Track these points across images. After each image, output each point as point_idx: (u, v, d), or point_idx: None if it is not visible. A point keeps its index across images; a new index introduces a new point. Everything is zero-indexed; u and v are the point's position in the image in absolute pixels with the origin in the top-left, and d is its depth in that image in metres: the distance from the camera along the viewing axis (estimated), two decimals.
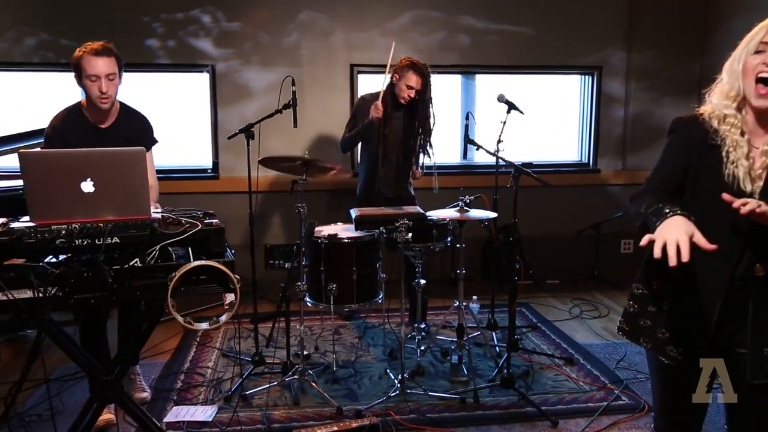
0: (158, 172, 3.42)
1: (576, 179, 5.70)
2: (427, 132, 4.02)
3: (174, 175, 5.15)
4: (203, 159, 5.31)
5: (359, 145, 4.22)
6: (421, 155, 4.07)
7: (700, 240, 1.47)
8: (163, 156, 5.26)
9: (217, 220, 2.34)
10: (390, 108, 4.01)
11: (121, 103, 3.05)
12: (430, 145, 4.02)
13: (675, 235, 1.47)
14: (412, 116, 4.05)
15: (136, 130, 3.04)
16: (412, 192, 4.27)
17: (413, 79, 3.90)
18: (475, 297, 4.67)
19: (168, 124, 5.23)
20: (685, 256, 1.43)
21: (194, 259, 2.18)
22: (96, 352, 2.89)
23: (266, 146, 5.08)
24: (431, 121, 4.02)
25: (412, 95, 3.94)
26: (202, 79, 5.18)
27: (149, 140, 3.11)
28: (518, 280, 3.70)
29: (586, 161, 5.78)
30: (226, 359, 3.88)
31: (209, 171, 5.26)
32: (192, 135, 5.31)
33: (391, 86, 4.03)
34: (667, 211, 1.59)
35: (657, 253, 1.46)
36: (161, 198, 3.26)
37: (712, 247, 1.47)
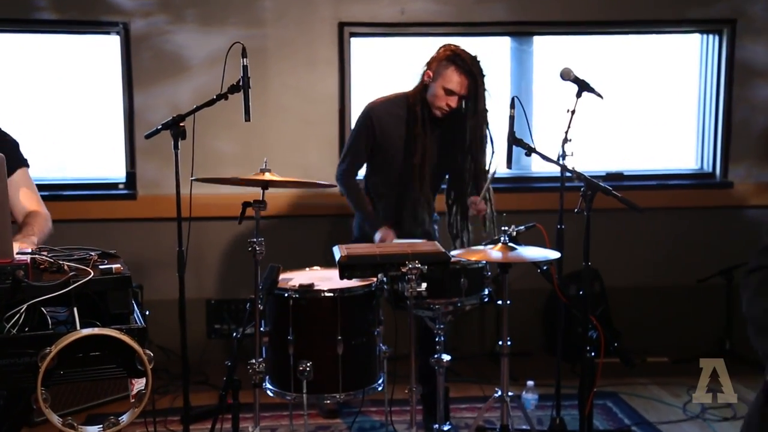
0: (41, 188, 3.50)
1: (694, 198, 5.71)
2: (480, 170, 4.07)
3: (65, 194, 5.24)
4: (112, 169, 5.39)
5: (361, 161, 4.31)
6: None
7: None
8: (49, 165, 5.36)
9: (118, 265, 2.36)
10: (422, 124, 4.05)
11: None
12: (487, 187, 4.04)
13: None
14: (455, 138, 4.09)
15: None
16: (435, 227, 4.36)
17: (455, 81, 3.95)
18: (531, 383, 4.66)
19: (56, 115, 5.33)
20: None
21: (82, 326, 2.18)
22: None
23: (210, 148, 5.19)
24: (488, 147, 4.04)
25: (453, 105, 3.99)
26: (110, 45, 5.27)
27: (16, 161, 3.18)
28: (595, 356, 3.71)
29: (710, 170, 5.81)
30: None
31: (121, 187, 5.35)
32: (95, 132, 5.39)
33: (422, 89, 4.09)
34: None
35: None
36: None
37: None
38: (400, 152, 4.14)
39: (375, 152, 4.19)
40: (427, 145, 4.08)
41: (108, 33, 5.24)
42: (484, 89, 4.00)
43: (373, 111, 4.15)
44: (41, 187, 5.20)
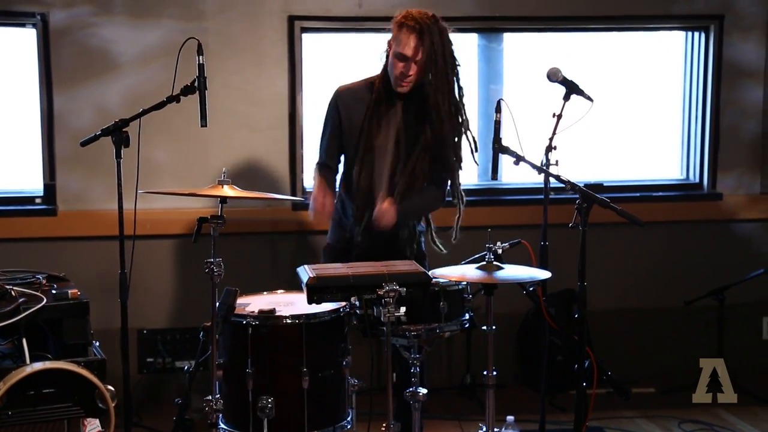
0: None
1: (679, 211, 5.77)
2: (453, 145, 4.08)
3: None
4: (28, 180, 5.30)
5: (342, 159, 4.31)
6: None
7: None
8: None
9: (75, 290, 2.35)
10: (386, 101, 4.06)
11: None
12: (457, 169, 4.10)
13: None
14: (419, 115, 4.07)
15: None
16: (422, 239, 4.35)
17: (404, 43, 3.92)
18: (510, 418, 4.66)
19: None
20: None
21: (32, 360, 2.17)
22: None
23: (143, 157, 5.07)
24: (459, 122, 4.05)
25: (408, 72, 3.96)
26: (25, 39, 5.17)
27: None
28: (588, 387, 3.72)
29: (697, 180, 5.87)
30: None
31: (39, 201, 5.24)
32: (7, 138, 5.29)
33: (386, 66, 4.11)
34: None
35: None
36: None
37: None
38: (356, 135, 4.14)
39: (344, 142, 4.18)
40: (387, 125, 4.08)
41: (23, 25, 5.13)
42: (442, 47, 3.93)
43: (338, 95, 4.18)
44: None
